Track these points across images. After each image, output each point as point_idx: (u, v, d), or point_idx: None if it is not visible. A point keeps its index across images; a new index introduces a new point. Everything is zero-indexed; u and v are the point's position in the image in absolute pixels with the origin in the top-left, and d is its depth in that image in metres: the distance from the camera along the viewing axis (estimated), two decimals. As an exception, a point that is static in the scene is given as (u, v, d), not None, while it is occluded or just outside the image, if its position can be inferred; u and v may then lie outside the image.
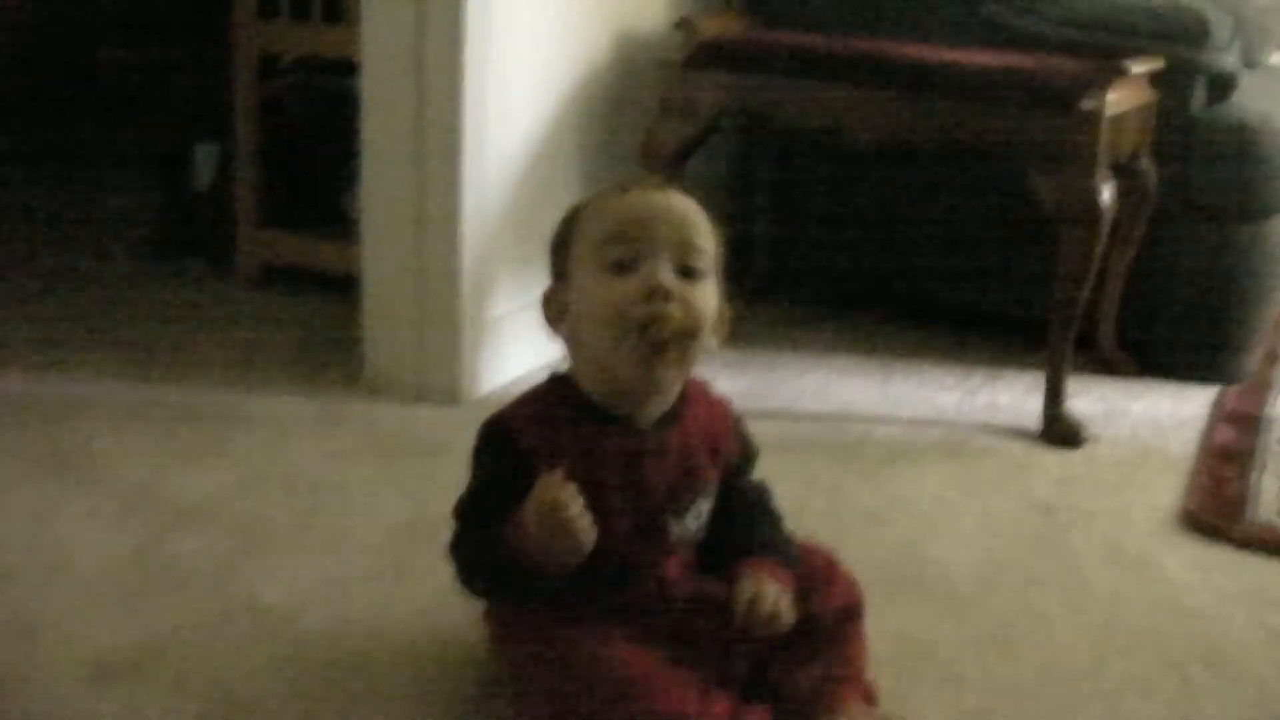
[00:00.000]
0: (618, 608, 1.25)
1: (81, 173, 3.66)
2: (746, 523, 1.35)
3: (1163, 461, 2.09)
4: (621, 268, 1.22)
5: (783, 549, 1.32)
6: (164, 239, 2.87)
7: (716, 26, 2.48)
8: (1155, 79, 2.28)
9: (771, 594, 1.22)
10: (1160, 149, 2.35)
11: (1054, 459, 2.08)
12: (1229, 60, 2.40)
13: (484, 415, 2.19)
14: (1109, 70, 2.06)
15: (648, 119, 2.43)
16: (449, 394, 2.16)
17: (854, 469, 1.98)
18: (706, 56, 2.34)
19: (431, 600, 1.50)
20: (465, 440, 2.04)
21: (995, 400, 2.34)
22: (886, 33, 2.48)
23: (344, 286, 2.53)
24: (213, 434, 1.97)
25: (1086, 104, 2.03)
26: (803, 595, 1.28)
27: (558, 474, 1.17)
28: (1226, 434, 2.20)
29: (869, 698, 1.30)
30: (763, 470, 1.41)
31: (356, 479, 1.84)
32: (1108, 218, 2.06)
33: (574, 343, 1.29)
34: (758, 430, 1.41)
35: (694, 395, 1.33)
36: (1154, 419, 2.29)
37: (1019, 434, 2.18)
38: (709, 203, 1.31)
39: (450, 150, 2.07)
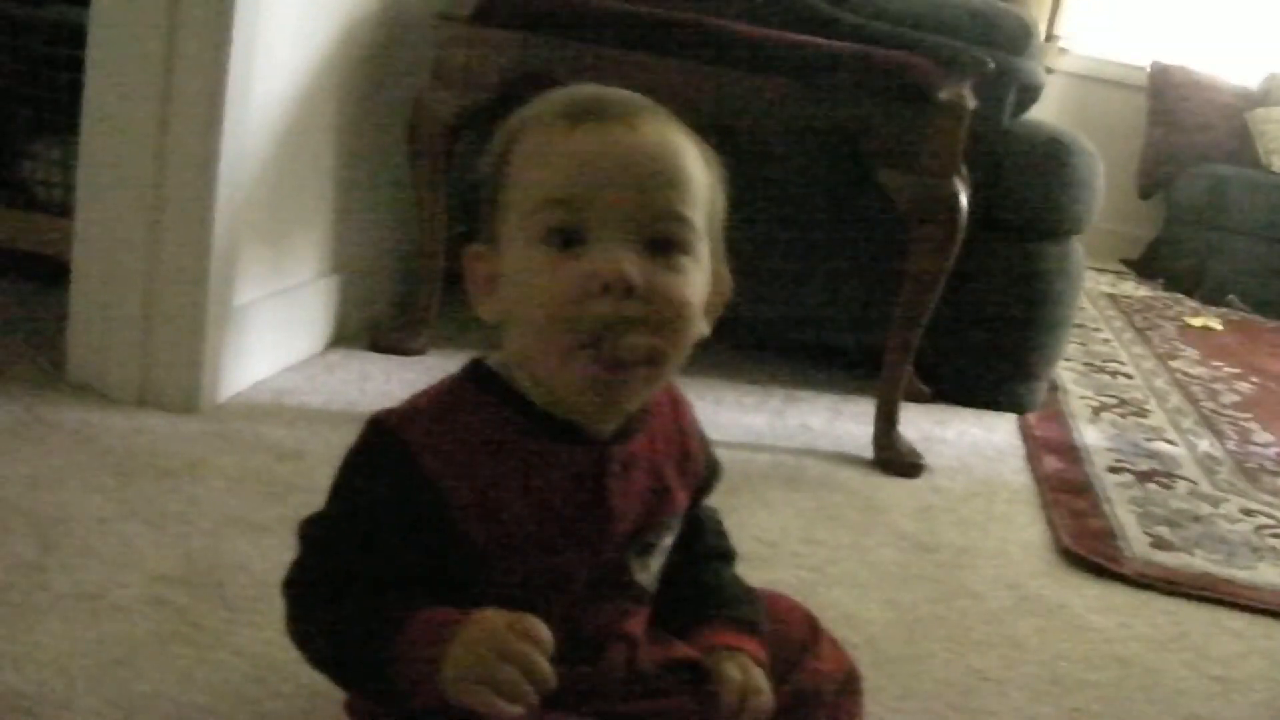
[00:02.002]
0: (571, 690, 0.90)
1: None
2: (713, 569, 1.03)
3: (1008, 492, 1.92)
4: (566, 240, 0.83)
5: (753, 608, 1.01)
6: None
7: (500, -17, 2.13)
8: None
9: (763, 684, 0.93)
10: (971, 160, 2.20)
11: (900, 490, 1.86)
12: (1039, 70, 2.28)
13: (228, 426, 1.80)
14: (969, 62, 1.87)
15: (415, 83, 2.07)
16: (184, 399, 1.69)
17: (699, 499, 1.68)
18: (499, 11, 1.99)
19: (249, 675, 1.09)
20: (216, 456, 1.61)
21: (806, 423, 2.11)
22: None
23: (21, 265, 2.03)
24: (-125, 448, 1.45)
25: (946, 95, 1.83)
26: (786, 666, 0.99)
27: (529, 621, 0.79)
28: (1054, 464, 2.05)
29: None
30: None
31: (87, 511, 1.37)
32: (963, 222, 1.86)
33: (509, 328, 0.91)
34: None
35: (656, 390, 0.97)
36: (973, 446, 2.12)
37: (848, 460, 1.95)
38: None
39: (209, 105, 1.61)
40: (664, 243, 0.84)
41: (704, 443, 1.01)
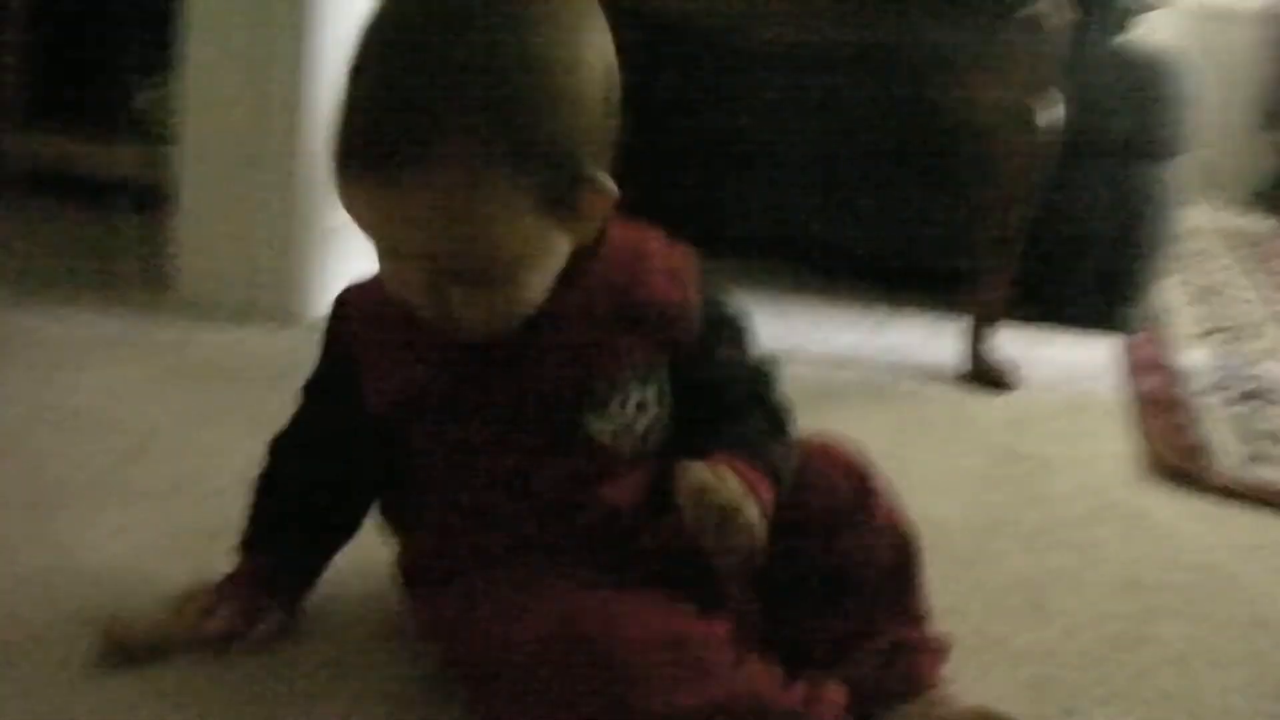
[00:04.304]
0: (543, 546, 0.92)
1: None
2: (711, 416, 0.94)
3: (1102, 408, 1.90)
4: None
5: (763, 447, 0.92)
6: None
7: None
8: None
9: (730, 485, 0.84)
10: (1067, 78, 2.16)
11: (990, 404, 1.87)
12: (1135, -13, 2.24)
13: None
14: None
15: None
16: (283, 314, 1.78)
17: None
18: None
19: (339, 557, 1.14)
20: (309, 364, 1.69)
21: (900, 342, 2.12)
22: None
23: (126, 194, 2.12)
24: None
25: (1025, 10, 1.81)
26: (826, 533, 0.96)
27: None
28: (1151, 382, 2.03)
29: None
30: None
31: (183, 414, 1.44)
32: (1048, 140, 1.84)
33: None
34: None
35: (617, 241, 0.93)
36: (1069, 365, 2.11)
37: (940, 377, 1.95)
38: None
39: (298, 25, 1.69)
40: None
41: (698, 296, 0.95)
